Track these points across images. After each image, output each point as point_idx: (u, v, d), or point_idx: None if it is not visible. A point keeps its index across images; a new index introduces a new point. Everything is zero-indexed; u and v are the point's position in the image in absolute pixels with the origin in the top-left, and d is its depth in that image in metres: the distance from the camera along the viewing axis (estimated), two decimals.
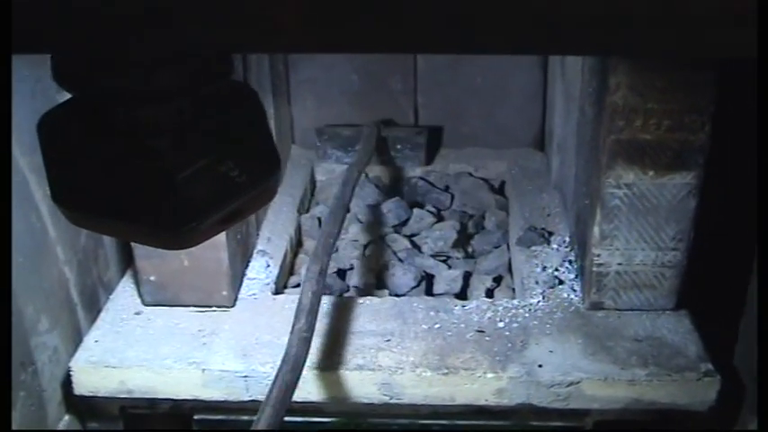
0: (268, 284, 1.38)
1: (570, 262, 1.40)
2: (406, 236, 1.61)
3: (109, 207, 0.60)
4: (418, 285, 1.48)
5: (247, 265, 1.41)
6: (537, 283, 1.35)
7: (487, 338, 1.23)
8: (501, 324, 1.26)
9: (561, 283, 1.35)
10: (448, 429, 1.23)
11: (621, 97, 1.12)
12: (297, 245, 1.62)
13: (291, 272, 1.54)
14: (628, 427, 1.20)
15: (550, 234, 1.48)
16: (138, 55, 0.51)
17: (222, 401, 1.21)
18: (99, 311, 1.31)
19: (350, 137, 1.78)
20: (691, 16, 0.42)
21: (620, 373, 1.16)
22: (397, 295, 1.43)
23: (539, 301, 1.31)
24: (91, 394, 1.21)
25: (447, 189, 1.78)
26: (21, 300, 1.12)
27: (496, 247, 1.57)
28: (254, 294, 1.35)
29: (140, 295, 1.32)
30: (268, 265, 1.43)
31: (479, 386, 1.17)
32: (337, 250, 1.57)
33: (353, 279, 1.49)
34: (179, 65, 0.55)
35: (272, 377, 1.16)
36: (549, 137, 1.76)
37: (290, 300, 1.34)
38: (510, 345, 1.22)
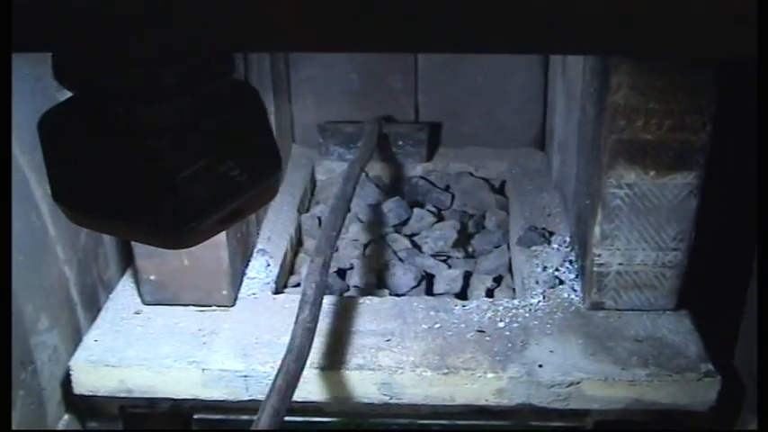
0: (268, 284, 1.38)
1: (571, 262, 1.40)
2: (406, 235, 1.61)
3: (109, 206, 0.60)
4: (418, 285, 1.48)
5: (247, 265, 1.41)
6: (537, 282, 1.35)
7: (488, 338, 1.23)
8: (501, 324, 1.26)
9: (562, 283, 1.35)
10: (448, 429, 1.23)
11: (623, 97, 1.11)
12: (297, 244, 1.62)
13: (291, 271, 1.54)
14: (628, 427, 1.20)
15: (551, 234, 1.48)
16: (139, 55, 0.51)
17: (222, 401, 1.21)
18: (99, 310, 1.31)
19: (352, 133, 1.79)
20: (691, 16, 0.42)
21: (621, 373, 1.16)
22: (397, 295, 1.43)
23: (539, 301, 1.31)
24: (90, 393, 1.21)
25: (447, 189, 1.78)
26: (20, 299, 1.12)
27: (497, 247, 1.57)
28: (254, 294, 1.35)
29: (140, 294, 1.32)
30: (268, 265, 1.43)
31: (479, 386, 1.17)
32: (337, 250, 1.57)
33: (354, 278, 1.49)
34: (179, 64, 0.55)
35: (272, 377, 1.17)
36: (549, 136, 1.76)
37: (291, 299, 1.34)
38: (510, 345, 1.21)
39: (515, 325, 1.26)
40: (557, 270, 1.38)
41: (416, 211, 1.67)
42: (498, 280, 1.49)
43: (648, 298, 1.26)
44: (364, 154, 1.62)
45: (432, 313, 1.29)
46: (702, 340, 1.22)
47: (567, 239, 1.45)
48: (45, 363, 1.18)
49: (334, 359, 1.19)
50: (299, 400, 1.04)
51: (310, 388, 1.18)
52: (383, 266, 1.52)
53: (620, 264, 1.23)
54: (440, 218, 1.68)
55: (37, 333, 1.16)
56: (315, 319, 1.12)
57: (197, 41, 0.43)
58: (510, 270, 1.51)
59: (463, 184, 1.77)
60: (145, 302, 1.31)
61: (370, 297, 1.36)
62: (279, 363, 1.17)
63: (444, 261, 1.54)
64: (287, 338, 1.22)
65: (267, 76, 1.62)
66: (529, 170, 1.75)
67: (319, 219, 1.67)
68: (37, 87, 1.09)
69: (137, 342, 1.23)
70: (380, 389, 1.18)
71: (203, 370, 1.19)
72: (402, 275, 1.48)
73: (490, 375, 1.16)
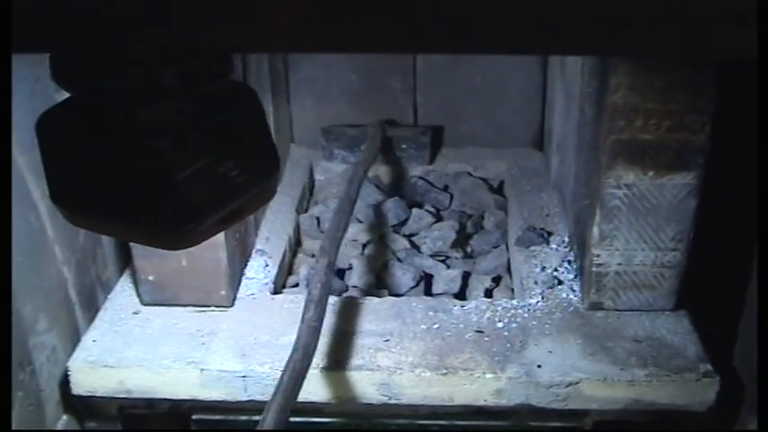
0: (267, 284, 1.37)
1: (569, 262, 1.40)
2: (405, 236, 1.61)
3: (108, 207, 0.60)
4: (417, 285, 1.48)
5: (246, 265, 1.41)
6: (536, 283, 1.35)
7: (486, 339, 1.23)
8: (500, 324, 1.26)
9: (560, 283, 1.35)
10: (447, 430, 1.23)
11: (622, 97, 1.11)
12: (296, 244, 1.61)
13: (290, 271, 1.54)
14: (627, 427, 1.20)
15: (549, 234, 1.48)
16: (139, 55, 0.51)
17: (221, 401, 1.20)
18: (97, 311, 1.31)
19: (355, 137, 1.79)
20: (691, 16, 0.42)
21: (620, 373, 1.16)
22: (396, 295, 1.42)
23: (538, 302, 1.31)
24: (89, 394, 1.21)
25: (446, 189, 1.78)
26: (19, 299, 1.12)
27: (495, 247, 1.57)
28: (252, 294, 1.35)
29: (139, 295, 1.32)
30: (267, 265, 1.42)
31: (478, 386, 1.17)
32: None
33: (352, 279, 1.49)
34: (179, 64, 0.55)
35: (271, 377, 1.17)
36: (548, 136, 1.76)
37: (289, 299, 1.34)
38: (509, 345, 1.21)
39: (514, 325, 1.26)
40: (555, 270, 1.38)
41: (415, 211, 1.67)
42: (497, 280, 1.49)
43: (647, 298, 1.26)
44: (368, 157, 1.62)
45: (430, 313, 1.28)
46: (701, 340, 1.22)
47: (566, 240, 1.45)
48: (43, 363, 1.18)
49: (333, 359, 1.19)
50: (297, 400, 1.04)
51: (309, 388, 1.17)
52: (382, 267, 1.51)
53: (619, 264, 1.23)
54: (438, 218, 1.67)
55: (35, 334, 1.16)
56: (320, 319, 1.12)
57: (197, 41, 0.43)
58: (509, 270, 1.51)
59: (462, 185, 1.77)
60: (143, 303, 1.31)
61: (368, 297, 1.35)
62: (278, 363, 1.18)
63: (443, 261, 1.54)
64: (286, 339, 1.22)
65: (266, 76, 1.62)
66: (527, 170, 1.75)
67: (318, 219, 1.67)
68: (36, 88, 1.09)
69: (135, 342, 1.23)
70: (379, 389, 1.18)
71: (202, 370, 1.18)
72: (401, 276, 1.48)
73: (489, 376, 1.16)
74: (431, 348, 1.21)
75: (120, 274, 1.41)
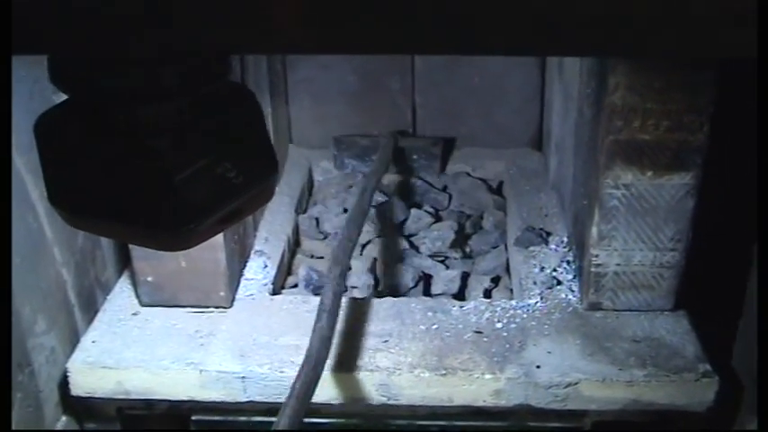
0: (266, 285, 1.37)
1: (568, 262, 1.40)
2: (404, 236, 1.61)
3: (106, 208, 0.60)
4: (416, 286, 1.48)
5: (245, 266, 1.41)
6: (535, 283, 1.35)
7: (485, 339, 1.23)
8: (499, 325, 1.26)
9: (559, 283, 1.35)
10: (446, 430, 1.23)
11: (620, 97, 1.12)
12: (294, 245, 1.61)
13: (289, 272, 1.54)
14: (626, 427, 1.20)
15: (548, 234, 1.48)
16: (139, 55, 0.51)
17: (220, 402, 1.20)
18: (96, 312, 1.31)
19: (367, 147, 1.79)
20: (691, 16, 0.42)
21: (619, 373, 1.16)
22: (394, 296, 1.42)
23: (537, 302, 1.31)
24: (88, 395, 1.21)
25: (445, 189, 1.78)
26: (18, 300, 1.11)
27: (494, 248, 1.57)
28: (251, 295, 1.35)
29: (138, 296, 1.32)
30: (265, 266, 1.42)
31: (477, 387, 1.17)
32: None
33: (352, 279, 1.49)
34: (178, 65, 0.55)
35: (270, 378, 1.17)
36: (546, 137, 1.76)
37: (288, 300, 1.34)
38: (508, 345, 1.21)
39: (513, 326, 1.26)
40: (554, 271, 1.38)
41: (414, 211, 1.67)
42: (496, 280, 1.49)
43: (646, 298, 1.26)
44: (379, 167, 1.62)
45: (429, 314, 1.28)
46: (700, 341, 1.22)
47: (565, 240, 1.45)
48: (42, 364, 1.18)
49: (332, 360, 1.19)
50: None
51: None
52: (381, 267, 1.51)
53: (618, 264, 1.23)
54: (437, 218, 1.67)
55: (34, 335, 1.16)
56: (332, 327, 1.13)
57: (197, 42, 0.43)
58: (508, 271, 1.51)
59: (461, 185, 1.77)
60: (142, 304, 1.31)
61: (367, 298, 1.35)
62: (277, 364, 1.18)
63: (442, 262, 1.54)
64: (285, 339, 1.22)
65: (264, 76, 1.62)
66: (526, 171, 1.75)
67: (317, 220, 1.67)
68: (34, 89, 1.09)
69: (134, 343, 1.23)
70: (378, 390, 1.18)
71: (201, 371, 1.18)
72: (400, 276, 1.48)
73: (488, 376, 1.16)
74: (430, 349, 1.21)
75: (119, 276, 1.41)
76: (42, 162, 0.61)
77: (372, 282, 1.48)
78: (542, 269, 1.39)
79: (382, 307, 1.31)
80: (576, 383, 1.16)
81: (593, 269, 1.24)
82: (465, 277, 1.49)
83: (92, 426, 1.27)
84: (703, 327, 1.24)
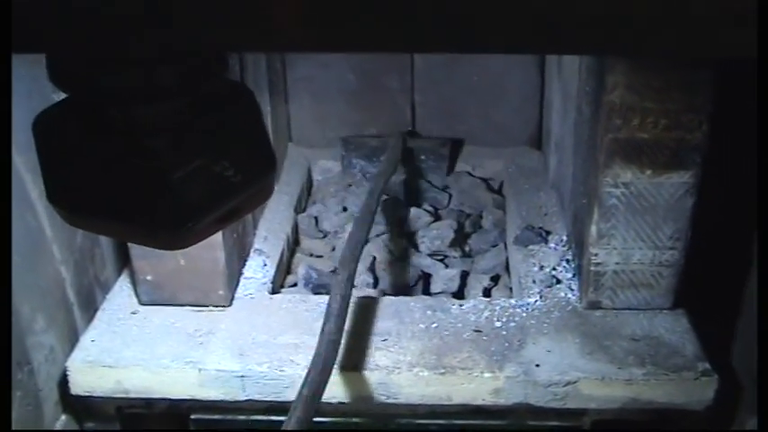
0: (265, 284, 1.37)
1: (567, 261, 1.40)
2: (403, 235, 1.61)
3: (105, 207, 0.60)
4: (415, 284, 1.48)
5: (244, 265, 1.41)
6: (534, 282, 1.35)
7: (485, 338, 1.23)
8: (498, 323, 1.26)
9: (558, 282, 1.35)
10: (445, 429, 1.23)
11: (619, 96, 1.12)
12: (294, 244, 1.61)
13: (288, 271, 1.54)
14: (625, 426, 1.20)
15: (548, 233, 1.48)
16: (139, 55, 0.51)
17: (219, 401, 1.20)
18: (95, 311, 1.31)
19: (375, 147, 1.79)
20: (691, 16, 0.42)
21: (618, 372, 1.16)
22: (394, 294, 1.42)
23: (536, 301, 1.31)
24: (87, 394, 1.21)
25: (445, 188, 1.77)
26: (17, 299, 1.11)
27: (494, 247, 1.57)
28: (250, 294, 1.35)
29: (137, 295, 1.32)
30: (265, 265, 1.42)
31: (476, 386, 1.17)
32: (334, 249, 1.57)
33: None
34: (175, 64, 0.55)
35: (269, 377, 1.17)
36: (546, 136, 1.76)
37: (287, 299, 1.34)
38: (507, 344, 1.21)
39: (512, 324, 1.26)
40: (554, 269, 1.38)
41: (413, 210, 1.67)
42: (495, 279, 1.49)
43: (645, 297, 1.26)
44: (388, 168, 1.61)
45: (429, 313, 1.28)
46: (699, 339, 1.22)
47: (564, 239, 1.45)
48: (42, 363, 1.18)
49: None
50: (290, 399, 1.04)
51: None
52: (380, 266, 1.51)
53: (617, 263, 1.24)
54: (437, 217, 1.67)
55: (33, 333, 1.16)
56: (339, 331, 1.13)
57: (197, 41, 0.43)
58: (507, 269, 1.51)
59: (460, 184, 1.77)
60: (141, 303, 1.31)
61: (366, 296, 1.35)
62: (276, 363, 1.18)
63: (441, 260, 1.54)
64: (284, 338, 1.22)
65: (263, 75, 1.62)
66: (526, 169, 1.75)
67: (316, 218, 1.67)
68: (33, 88, 1.09)
69: (133, 342, 1.23)
70: (377, 388, 1.18)
71: (200, 370, 1.18)
72: (399, 275, 1.48)
73: (487, 375, 1.17)
74: (429, 348, 1.21)
75: (119, 274, 1.41)
76: (41, 160, 0.61)
77: (372, 280, 1.48)
78: (542, 268, 1.39)
79: (381, 306, 1.31)
80: (576, 382, 1.16)
81: (592, 268, 1.24)
82: (464, 276, 1.49)
83: (91, 425, 1.27)
84: (702, 325, 1.24)
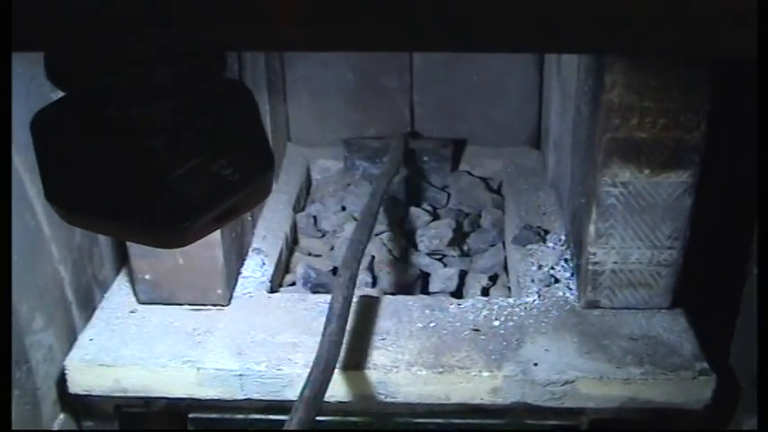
0: (263, 283, 1.37)
1: (566, 260, 1.40)
2: (402, 234, 1.61)
3: (103, 206, 0.60)
4: (414, 284, 1.48)
5: (242, 264, 1.41)
6: (533, 281, 1.35)
7: (483, 337, 1.23)
8: (496, 323, 1.26)
9: (557, 281, 1.35)
10: (443, 428, 1.23)
11: (617, 96, 1.12)
12: (292, 243, 1.61)
13: (287, 270, 1.54)
14: (623, 425, 1.20)
15: (546, 232, 1.48)
16: (139, 55, 0.51)
17: (217, 400, 1.20)
18: (94, 310, 1.31)
19: (378, 148, 1.78)
20: (691, 16, 0.42)
21: (616, 371, 1.16)
22: (392, 293, 1.42)
23: (534, 300, 1.31)
24: (86, 393, 1.21)
25: (444, 188, 1.77)
26: (15, 298, 1.11)
27: (492, 246, 1.57)
28: (249, 293, 1.34)
29: (135, 294, 1.32)
30: (263, 264, 1.42)
31: (474, 385, 1.17)
32: (333, 248, 1.57)
33: None
34: (173, 64, 0.55)
35: (267, 376, 1.17)
36: (545, 135, 1.76)
37: (286, 298, 1.34)
38: (505, 343, 1.22)
39: (510, 324, 1.26)
40: (552, 269, 1.38)
41: (412, 209, 1.67)
42: (494, 278, 1.49)
43: (643, 296, 1.26)
44: (390, 169, 1.61)
45: (427, 312, 1.28)
46: (697, 339, 1.22)
47: (563, 238, 1.45)
48: (40, 362, 1.18)
49: None
50: (293, 398, 1.04)
51: None
52: (378, 265, 1.51)
53: (615, 262, 1.24)
54: (435, 216, 1.67)
55: (32, 332, 1.16)
56: (341, 332, 1.13)
57: (197, 41, 0.43)
58: (505, 269, 1.51)
59: (459, 183, 1.77)
60: (140, 302, 1.31)
61: (365, 296, 1.35)
62: (274, 361, 1.18)
63: (440, 260, 1.54)
64: (282, 337, 1.22)
65: (262, 74, 1.61)
66: (524, 169, 1.75)
67: (315, 218, 1.66)
68: (32, 87, 1.09)
69: (132, 341, 1.23)
70: (376, 387, 1.18)
71: (198, 369, 1.18)
72: (397, 274, 1.48)
73: (485, 374, 1.17)
74: (427, 347, 1.21)
75: (117, 273, 1.40)
76: (39, 159, 0.61)
77: (371, 279, 1.48)
78: (540, 267, 1.39)
79: (380, 305, 1.31)
80: (574, 381, 1.16)
81: (590, 267, 1.24)
82: (463, 275, 1.49)
83: (89, 424, 1.27)
84: (700, 325, 1.24)
